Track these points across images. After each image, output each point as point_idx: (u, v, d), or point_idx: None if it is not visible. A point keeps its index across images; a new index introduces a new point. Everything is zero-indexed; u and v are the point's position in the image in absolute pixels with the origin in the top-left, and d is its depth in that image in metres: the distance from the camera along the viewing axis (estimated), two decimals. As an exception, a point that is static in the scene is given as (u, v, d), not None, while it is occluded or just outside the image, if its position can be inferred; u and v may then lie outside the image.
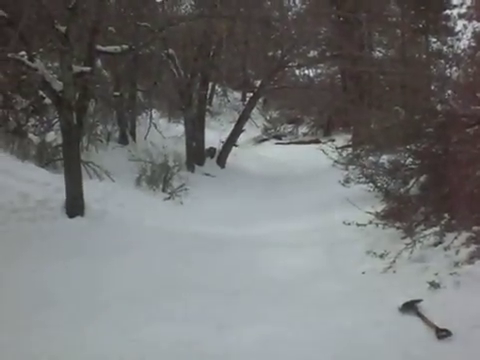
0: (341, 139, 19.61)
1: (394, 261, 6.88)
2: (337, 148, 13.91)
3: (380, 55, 22.93)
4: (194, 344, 5.15)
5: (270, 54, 22.52)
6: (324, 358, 4.77)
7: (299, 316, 5.77)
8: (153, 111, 18.79)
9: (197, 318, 5.79)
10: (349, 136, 18.88)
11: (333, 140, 20.62)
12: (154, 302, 6.25)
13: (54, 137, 13.02)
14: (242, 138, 22.16)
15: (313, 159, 16.90)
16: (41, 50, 10.35)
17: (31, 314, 5.80)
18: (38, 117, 13.51)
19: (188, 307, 6.13)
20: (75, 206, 9.50)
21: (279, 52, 20.84)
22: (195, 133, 18.03)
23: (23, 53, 9.20)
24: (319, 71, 24.13)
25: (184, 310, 6.03)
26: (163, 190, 13.83)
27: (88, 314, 5.86)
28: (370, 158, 11.00)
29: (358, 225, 8.15)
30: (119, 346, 5.10)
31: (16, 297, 6.22)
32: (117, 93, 15.97)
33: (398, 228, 7.94)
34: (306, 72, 24.27)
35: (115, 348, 5.06)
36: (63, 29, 9.08)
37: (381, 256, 7.26)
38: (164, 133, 17.99)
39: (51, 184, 10.26)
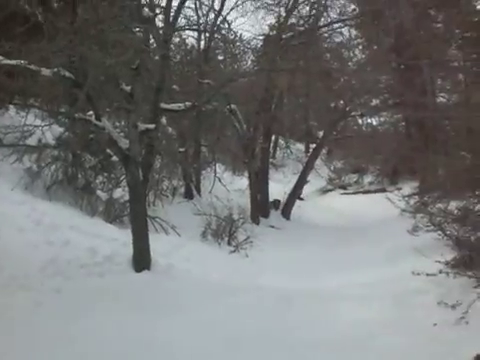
0: (408, 187, 19.25)
1: (467, 312, 6.60)
2: (404, 196, 13.67)
3: (443, 100, 22.61)
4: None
5: (332, 105, 22.59)
6: None
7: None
8: (217, 165, 19.04)
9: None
10: (416, 184, 18.53)
11: (400, 188, 20.28)
12: (219, 358, 6.17)
13: (121, 193, 13.31)
14: (307, 189, 22.12)
15: (380, 208, 16.64)
16: (107, 109, 10.70)
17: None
18: (106, 174, 13.89)
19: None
20: (142, 261, 9.59)
21: (341, 102, 20.89)
22: (259, 186, 18.11)
23: (90, 113, 9.54)
24: (382, 119, 23.97)
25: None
26: (228, 243, 13.87)
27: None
28: (438, 205, 10.73)
29: (428, 275, 7.88)
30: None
31: (84, 350, 6.28)
32: (182, 149, 16.29)
33: (470, 277, 7.63)
34: (369, 121, 24.16)
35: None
36: (128, 89, 9.40)
37: (453, 307, 6.98)
38: (228, 186, 18.15)
39: (118, 239, 10.45)
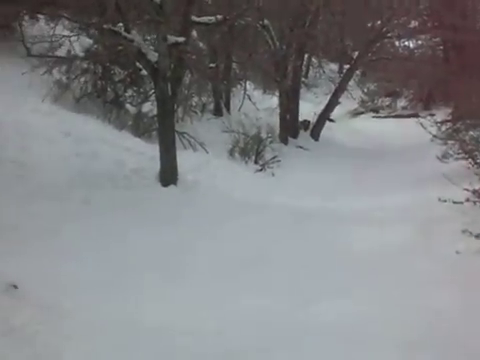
0: (441, 113, 18.85)
1: (491, 241, 6.56)
2: (436, 122, 13.47)
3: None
4: (276, 317, 5.13)
5: (368, 24, 21.89)
6: (408, 339, 4.59)
7: (385, 294, 5.63)
8: (248, 83, 18.79)
9: (281, 291, 5.78)
10: (449, 110, 18.13)
11: (433, 114, 19.87)
12: (239, 274, 6.28)
13: (150, 108, 13.28)
14: (338, 111, 21.80)
15: (411, 134, 16.41)
16: (137, 21, 10.51)
17: (121, 277, 5.99)
18: (135, 88, 13.82)
19: (272, 280, 6.12)
20: (169, 175, 9.67)
21: (378, 22, 20.21)
22: (289, 105, 17.88)
23: (120, 25, 9.39)
24: (420, 42, 23.19)
25: (268, 283, 6.02)
26: (255, 162, 13.86)
27: (175, 282, 5.98)
28: (470, 133, 10.53)
29: (454, 203, 7.80)
30: (203, 315, 5.16)
31: (107, 259, 6.44)
32: (212, 64, 16.04)
33: (497, 207, 7.55)
34: (406, 43, 23.39)
35: (200, 316, 5.13)
36: (158, 0, 9.18)
37: (477, 236, 6.93)
38: (258, 105, 17.97)
39: (146, 153, 10.51)
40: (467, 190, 8.02)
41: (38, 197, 7.84)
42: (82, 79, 13.37)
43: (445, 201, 7.90)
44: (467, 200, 7.79)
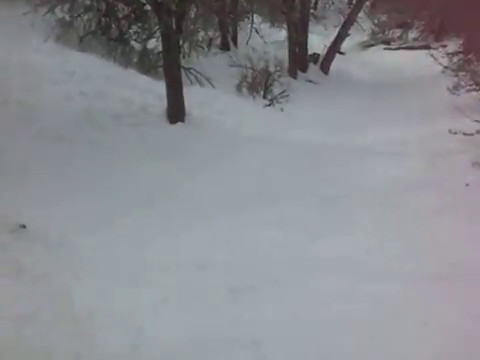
0: (453, 44, 18.42)
1: (502, 174, 6.49)
2: (448, 53, 13.19)
3: None
4: (286, 249, 5.16)
5: None
6: (418, 273, 4.60)
7: (395, 227, 5.63)
8: (255, 16, 18.38)
9: (291, 225, 5.79)
10: (462, 41, 17.71)
11: (445, 45, 19.41)
12: (248, 208, 6.31)
13: (156, 44, 13.03)
14: (348, 43, 21.37)
15: (422, 65, 16.14)
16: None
17: (129, 215, 6.02)
18: (139, 24, 13.54)
19: (283, 214, 6.13)
20: (176, 112, 9.57)
21: None
22: (298, 38, 17.50)
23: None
24: (432, -31, 22.48)
25: (278, 217, 6.04)
26: (264, 97, 13.66)
27: (183, 217, 6.01)
28: (483, 63, 10.30)
29: (465, 135, 7.70)
30: (212, 249, 5.20)
31: (115, 197, 6.48)
32: (218, -3, 15.64)
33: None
34: (418, -29, 22.68)
35: (208, 251, 5.16)
36: None
37: (488, 168, 6.86)
38: (266, 38, 17.63)
39: (153, 91, 10.38)
40: (478, 122, 7.90)
41: (44, 138, 7.79)
42: (85, 17, 13.10)
43: (456, 133, 7.80)
44: (478, 132, 7.67)
